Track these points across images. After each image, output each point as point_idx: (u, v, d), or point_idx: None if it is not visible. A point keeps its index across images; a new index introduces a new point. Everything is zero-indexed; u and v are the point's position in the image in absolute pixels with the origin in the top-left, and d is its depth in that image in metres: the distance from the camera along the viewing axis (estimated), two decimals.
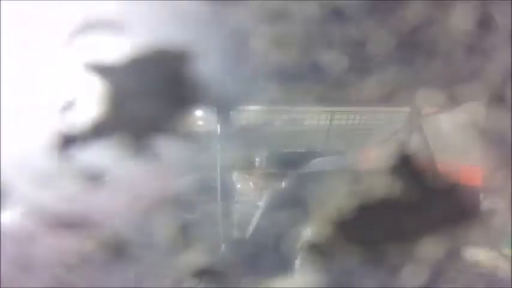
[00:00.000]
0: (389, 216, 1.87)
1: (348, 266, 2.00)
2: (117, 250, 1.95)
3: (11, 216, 2.00)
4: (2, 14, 1.47)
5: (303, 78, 2.68)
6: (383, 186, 1.96)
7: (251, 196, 3.65)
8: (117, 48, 1.60)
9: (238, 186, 3.64)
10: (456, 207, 1.88)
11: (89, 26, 1.52)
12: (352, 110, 4.09)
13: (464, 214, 1.86)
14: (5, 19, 1.50)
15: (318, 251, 2.01)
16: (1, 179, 1.72)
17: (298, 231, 2.63)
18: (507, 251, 2.14)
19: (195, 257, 2.30)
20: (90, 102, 1.76)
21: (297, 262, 2.22)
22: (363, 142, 4.21)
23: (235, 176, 3.58)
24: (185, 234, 2.48)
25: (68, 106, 1.75)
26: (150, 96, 1.78)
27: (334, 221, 2.00)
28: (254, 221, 3.25)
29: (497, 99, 2.25)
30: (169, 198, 2.35)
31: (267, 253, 2.53)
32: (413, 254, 1.89)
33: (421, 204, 1.90)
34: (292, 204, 3.27)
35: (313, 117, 4.11)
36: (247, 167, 3.87)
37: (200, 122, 4.64)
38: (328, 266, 2.00)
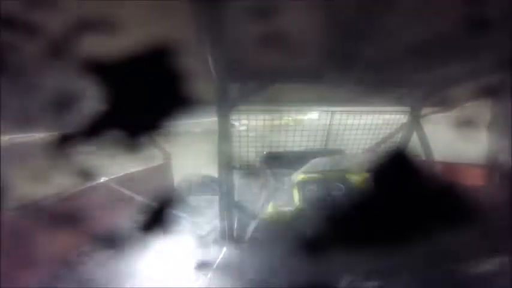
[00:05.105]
0: (388, 215, 1.86)
1: (344, 264, 2.00)
2: None
3: None
4: None
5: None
6: (381, 185, 1.96)
7: (251, 195, 3.64)
8: (115, 48, 1.60)
9: (238, 185, 3.63)
10: (455, 207, 1.87)
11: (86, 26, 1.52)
12: (352, 110, 4.08)
13: (463, 213, 1.85)
14: None
15: (317, 248, 2.00)
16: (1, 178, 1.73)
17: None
18: None
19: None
20: (88, 101, 1.76)
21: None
22: (363, 142, 4.21)
23: (235, 175, 3.58)
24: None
25: (66, 105, 1.75)
26: (148, 95, 1.77)
27: (331, 219, 1.99)
28: (254, 220, 3.24)
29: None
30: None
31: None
32: (411, 253, 1.88)
33: (420, 203, 1.89)
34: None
35: (313, 117, 4.10)
36: (247, 166, 3.87)
37: (200, 122, 4.61)
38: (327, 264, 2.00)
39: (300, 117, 5.29)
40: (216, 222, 3.33)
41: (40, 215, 2.10)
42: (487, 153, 3.06)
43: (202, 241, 3.25)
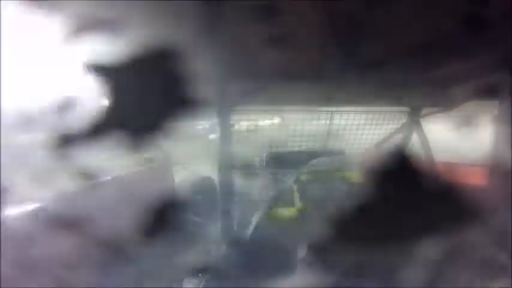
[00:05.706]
0: (389, 215, 1.86)
1: (346, 265, 2.00)
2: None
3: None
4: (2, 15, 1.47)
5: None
6: (382, 185, 1.96)
7: (251, 196, 3.64)
8: (116, 48, 1.60)
9: (239, 186, 3.63)
10: (456, 207, 1.87)
11: (88, 26, 1.52)
12: (352, 110, 4.08)
13: (463, 213, 1.85)
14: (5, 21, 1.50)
15: (318, 250, 2.00)
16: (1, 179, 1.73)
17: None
18: None
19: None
20: (88, 101, 1.76)
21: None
22: (363, 142, 4.21)
23: (235, 175, 3.58)
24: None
25: (67, 105, 1.75)
26: (148, 95, 1.77)
27: (333, 220, 1.99)
28: (254, 220, 3.24)
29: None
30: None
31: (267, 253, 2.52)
32: (412, 254, 1.88)
33: (420, 204, 1.89)
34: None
35: (313, 117, 4.10)
36: (247, 166, 3.87)
37: (200, 122, 4.63)
38: (327, 265, 2.00)
39: (298, 117, 5.28)
40: (216, 222, 3.33)
41: (40, 216, 2.10)
42: (487, 153, 3.05)
43: (202, 241, 3.25)
